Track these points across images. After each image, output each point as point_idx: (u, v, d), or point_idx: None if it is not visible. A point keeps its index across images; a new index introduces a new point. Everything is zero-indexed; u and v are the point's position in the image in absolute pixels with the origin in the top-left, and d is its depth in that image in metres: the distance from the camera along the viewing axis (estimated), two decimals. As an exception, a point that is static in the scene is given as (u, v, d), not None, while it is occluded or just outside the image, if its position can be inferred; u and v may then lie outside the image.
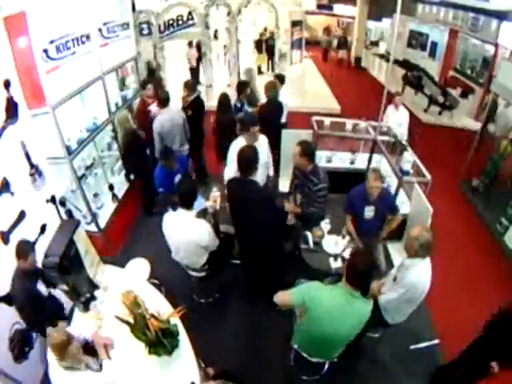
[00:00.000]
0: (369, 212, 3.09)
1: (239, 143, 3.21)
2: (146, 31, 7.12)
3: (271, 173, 3.66)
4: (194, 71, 9.23)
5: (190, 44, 8.90)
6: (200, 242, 2.61)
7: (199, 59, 8.87)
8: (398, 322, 2.54)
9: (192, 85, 4.79)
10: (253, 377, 2.71)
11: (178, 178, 3.54)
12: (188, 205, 2.59)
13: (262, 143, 3.37)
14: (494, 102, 5.78)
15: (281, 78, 4.97)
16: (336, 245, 3.05)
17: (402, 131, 5.01)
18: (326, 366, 2.61)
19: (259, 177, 3.25)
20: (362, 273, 1.93)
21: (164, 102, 4.16)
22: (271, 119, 4.44)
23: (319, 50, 14.92)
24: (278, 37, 8.18)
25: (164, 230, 2.70)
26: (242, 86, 4.82)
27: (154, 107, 4.49)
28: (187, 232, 2.58)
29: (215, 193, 3.30)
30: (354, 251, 2.08)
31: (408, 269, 2.34)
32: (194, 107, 4.64)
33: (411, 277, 2.28)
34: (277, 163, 4.95)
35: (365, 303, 2.01)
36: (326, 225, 3.20)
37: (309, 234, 3.11)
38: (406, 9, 8.86)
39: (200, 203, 3.27)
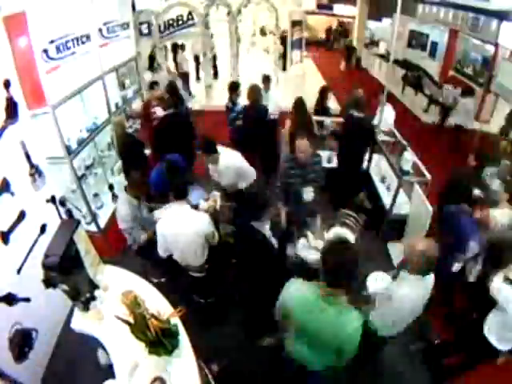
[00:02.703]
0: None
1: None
2: (145, 31, 7.13)
3: (245, 184, 3.51)
4: (185, 77, 8.46)
5: (182, 48, 8.72)
6: (199, 231, 2.57)
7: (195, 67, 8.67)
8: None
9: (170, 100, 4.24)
10: (252, 377, 2.71)
11: None
12: (182, 195, 2.55)
13: (226, 162, 3.29)
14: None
15: (267, 79, 5.12)
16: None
17: None
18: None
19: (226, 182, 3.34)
20: (335, 272, 1.62)
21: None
22: (255, 122, 4.47)
23: (319, 50, 14.92)
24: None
25: (160, 229, 2.58)
26: (234, 87, 4.84)
27: (159, 110, 4.43)
28: (186, 223, 2.53)
29: (215, 193, 3.31)
30: (326, 245, 1.77)
31: (401, 284, 2.16)
32: (166, 126, 4.09)
33: (401, 292, 2.10)
34: (275, 164, 5.00)
35: (346, 314, 1.68)
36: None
37: (309, 233, 3.10)
38: (405, 9, 8.85)
39: (199, 194, 3.26)
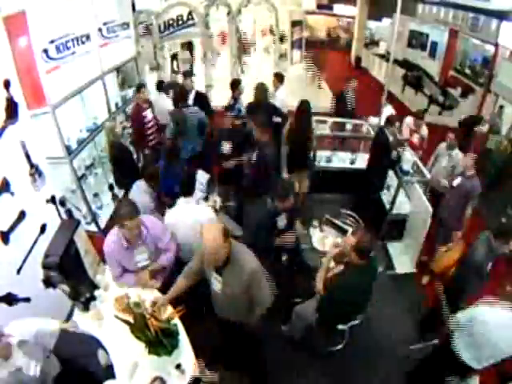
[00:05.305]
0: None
1: None
2: (145, 31, 7.11)
3: None
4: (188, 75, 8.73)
5: (183, 46, 8.73)
6: (199, 221, 2.56)
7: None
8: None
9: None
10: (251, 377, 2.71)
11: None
12: (189, 193, 2.65)
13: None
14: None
15: (280, 77, 5.00)
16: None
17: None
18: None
19: None
20: None
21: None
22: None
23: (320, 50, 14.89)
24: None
25: (169, 227, 2.62)
26: (235, 84, 4.81)
27: (149, 112, 4.38)
28: (194, 216, 2.59)
29: (215, 193, 3.32)
30: None
31: None
32: None
33: None
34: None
35: None
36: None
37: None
38: (405, 9, 8.83)
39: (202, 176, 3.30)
